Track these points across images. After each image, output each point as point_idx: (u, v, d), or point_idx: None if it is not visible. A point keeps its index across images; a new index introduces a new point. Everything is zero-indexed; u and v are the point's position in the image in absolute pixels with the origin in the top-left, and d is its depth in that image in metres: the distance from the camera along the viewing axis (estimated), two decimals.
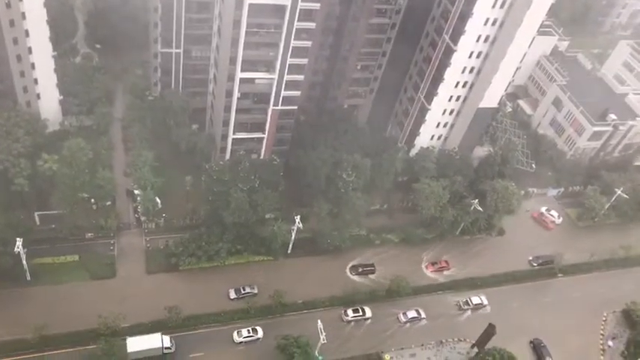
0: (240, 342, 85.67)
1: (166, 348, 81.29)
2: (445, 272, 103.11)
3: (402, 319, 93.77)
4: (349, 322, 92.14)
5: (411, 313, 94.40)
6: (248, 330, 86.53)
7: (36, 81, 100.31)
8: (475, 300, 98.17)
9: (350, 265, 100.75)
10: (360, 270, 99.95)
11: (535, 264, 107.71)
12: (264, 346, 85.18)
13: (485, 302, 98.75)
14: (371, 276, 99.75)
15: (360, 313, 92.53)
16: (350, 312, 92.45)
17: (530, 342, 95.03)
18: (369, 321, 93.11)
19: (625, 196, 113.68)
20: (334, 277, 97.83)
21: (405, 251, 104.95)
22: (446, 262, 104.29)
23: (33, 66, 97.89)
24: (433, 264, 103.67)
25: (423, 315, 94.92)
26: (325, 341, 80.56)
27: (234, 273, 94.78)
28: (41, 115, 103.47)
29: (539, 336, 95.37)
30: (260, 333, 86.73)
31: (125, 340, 78.95)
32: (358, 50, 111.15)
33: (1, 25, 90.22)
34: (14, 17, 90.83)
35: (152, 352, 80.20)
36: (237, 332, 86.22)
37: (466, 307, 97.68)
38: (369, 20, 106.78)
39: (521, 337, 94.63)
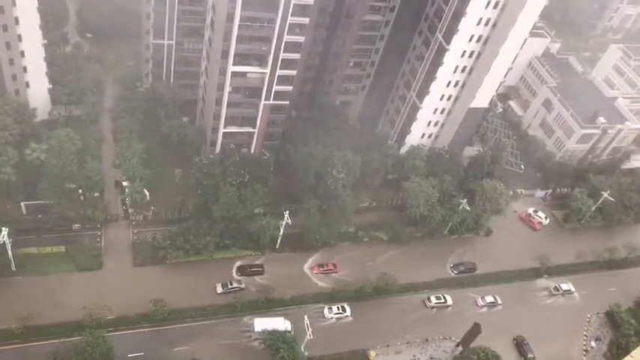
0: (331, 317, 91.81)
1: (287, 332, 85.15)
2: (333, 275, 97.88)
3: (480, 302, 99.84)
4: (432, 307, 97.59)
5: (489, 298, 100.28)
6: (337, 307, 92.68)
7: (25, 69, 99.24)
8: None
9: (237, 265, 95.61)
10: (249, 271, 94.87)
11: (455, 272, 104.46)
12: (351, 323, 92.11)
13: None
14: (257, 277, 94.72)
15: (442, 300, 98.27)
16: (433, 299, 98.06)
17: (514, 339, 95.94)
18: (449, 308, 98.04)
19: (611, 199, 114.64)
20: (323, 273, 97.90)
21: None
22: (333, 264, 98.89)
23: (22, 54, 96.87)
24: (319, 266, 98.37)
25: (500, 301, 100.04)
26: (312, 337, 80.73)
27: (221, 267, 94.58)
28: (30, 103, 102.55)
29: (522, 336, 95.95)
30: (348, 311, 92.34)
31: (106, 332, 78.06)
32: (351, 47, 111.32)
33: None
34: (4, 4, 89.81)
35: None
36: (329, 309, 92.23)
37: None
38: (363, 17, 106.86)
39: (504, 337, 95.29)
